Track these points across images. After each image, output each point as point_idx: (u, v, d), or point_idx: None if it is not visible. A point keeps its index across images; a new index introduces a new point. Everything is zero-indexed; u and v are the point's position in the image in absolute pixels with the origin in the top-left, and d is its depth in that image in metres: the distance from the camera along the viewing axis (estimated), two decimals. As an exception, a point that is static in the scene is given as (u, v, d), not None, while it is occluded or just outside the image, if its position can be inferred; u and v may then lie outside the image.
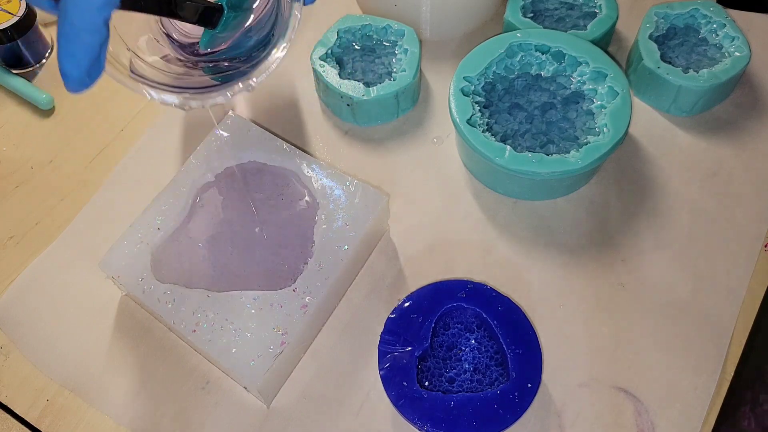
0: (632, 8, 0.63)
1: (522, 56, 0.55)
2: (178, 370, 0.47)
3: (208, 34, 0.41)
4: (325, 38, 0.57)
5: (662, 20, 0.58)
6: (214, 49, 0.42)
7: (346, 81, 0.55)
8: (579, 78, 0.54)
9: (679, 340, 0.47)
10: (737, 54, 0.55)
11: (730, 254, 0.50)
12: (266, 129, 0.51)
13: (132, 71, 0.37)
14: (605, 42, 0.59)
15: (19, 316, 0.50)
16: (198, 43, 0.42)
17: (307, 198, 0.49)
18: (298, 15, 0.37)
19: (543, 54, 0.55)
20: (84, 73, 0.30)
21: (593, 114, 0.52)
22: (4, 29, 0.57)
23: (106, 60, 0.31)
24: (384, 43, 0.58)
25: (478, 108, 0.52)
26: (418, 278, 0.50)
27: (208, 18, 0.39)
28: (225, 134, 0.51)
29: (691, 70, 0.54)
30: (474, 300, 0.45)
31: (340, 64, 0.58)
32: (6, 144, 0.58)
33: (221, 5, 0.40)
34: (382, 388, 0.42)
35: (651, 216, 0.52)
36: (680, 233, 0.51)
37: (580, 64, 0.53)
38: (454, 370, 0.44)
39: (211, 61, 0.41)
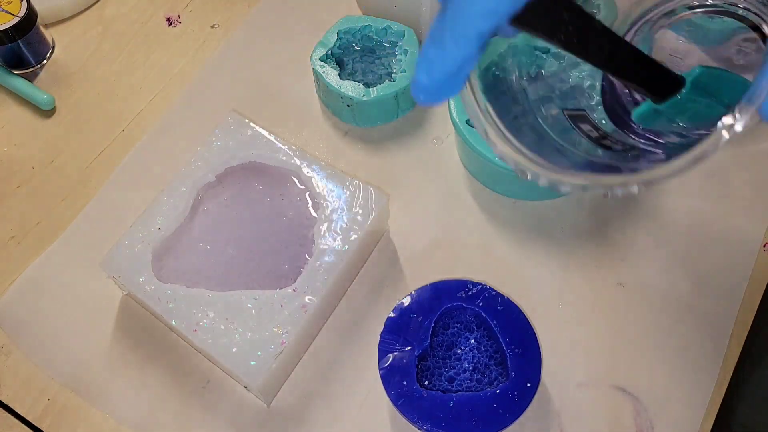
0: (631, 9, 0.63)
1: (521, 57, 0.55)
2: (178, 369, 0.47)
3: (648, 106, 0.33)
4: (325, 39, 0.57)
5: (661, 21, 0.58)
6: (647, 128, 0.33)
7: (346, 82, 0.55)
8: (578, 77, 0.54)
9: (678, 340, 0.47)
10: (736, 54, 0.55)
11: (729, 254, 0.50)
12: (266, 129, 0.51)
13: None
14: (604, 42, 0.59)
15: (21, 316, 0.50)
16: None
17: (307, 198, 0.49)
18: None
19: (543, 54, 0.55)
20: (432, 82, 0.25)
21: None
22: (5, 30, 0.57)
23: (466, 83, 0.25)
24: (384, 44, 0.58)
25: (478, 108, 0.52)
26: (418, 278, 0.50)
27: (658, 85, 0.30)
28: (225, 134, 0.51)
29: (690, 71, 0.54)
30: (473, 300, 0.45)
31: (340, 65, 0.58)
32: (7, 144, 0.58)
33: (682, 79, 0.31)
34: (382, 387, 0.42)
35: (650, 216, 0.52)
36: (679, 233, 0.51)
37: (579, 63, 0.54)
38: (454, 370, 0.44)
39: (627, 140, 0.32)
